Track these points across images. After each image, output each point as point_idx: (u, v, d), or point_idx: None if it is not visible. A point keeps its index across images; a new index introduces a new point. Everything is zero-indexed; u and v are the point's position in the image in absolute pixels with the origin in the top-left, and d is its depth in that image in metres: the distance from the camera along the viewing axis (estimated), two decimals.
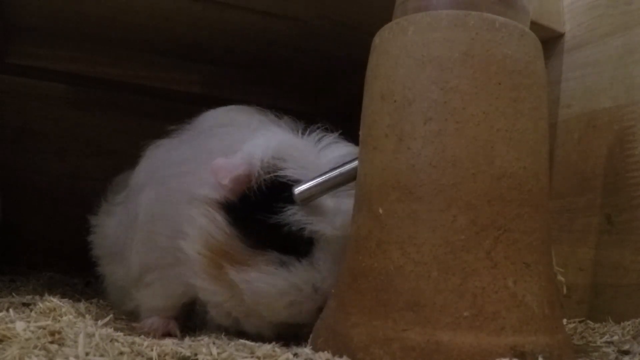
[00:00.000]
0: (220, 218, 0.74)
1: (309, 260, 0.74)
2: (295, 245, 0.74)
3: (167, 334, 0.80)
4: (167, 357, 0.57)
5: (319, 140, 0.81)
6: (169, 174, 0.84)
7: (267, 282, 0.72)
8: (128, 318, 0.88)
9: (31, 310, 0.76)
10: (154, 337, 0.74)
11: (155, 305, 0.83)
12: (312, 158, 0.78)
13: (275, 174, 0.73)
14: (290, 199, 0.73)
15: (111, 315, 0.76)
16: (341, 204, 0.76)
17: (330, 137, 0.82)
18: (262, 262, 0.73)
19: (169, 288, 0.81)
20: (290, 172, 0.74)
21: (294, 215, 0.72)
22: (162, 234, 0.79)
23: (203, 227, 0.74)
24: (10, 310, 0.72)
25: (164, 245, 0.78)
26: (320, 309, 0.72)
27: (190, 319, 0.87)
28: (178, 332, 0.80)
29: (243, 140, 0.78)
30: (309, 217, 0.73)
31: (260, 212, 0.73)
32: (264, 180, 0.73)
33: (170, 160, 0.87)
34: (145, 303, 0.84)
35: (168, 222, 0.78)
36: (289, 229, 0.72)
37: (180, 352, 0.58)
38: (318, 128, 0.82)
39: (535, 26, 0.84)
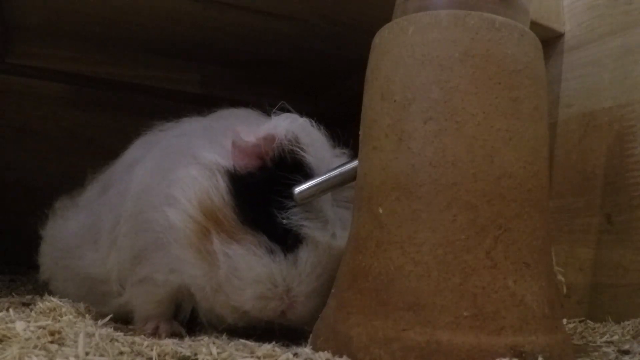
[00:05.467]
0: (223, 183, 0.72)
1: (294, 257, 0.72)
2: (286, 239, 0.72)
3: (172, 335, 0.79)
4: (167, 357, 0.57)
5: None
6: (174, 141, 0.82)
7: (248, 263, 0.70)
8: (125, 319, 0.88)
9: (31, 310, 0.76)
10: (164, 338, 0.72)
11: (153, 314, 0.80)
12: (327, 154, 0.78)
13: (294, 155, 0.72)
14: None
15: (111, 315, 0.76)
16: (341, 215, 0.75)
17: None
18: (250, 241, 0.71)
19: (163, 288, 0.78)
20: (308, 159, 0.72)
21: (294, 214, 0.71)
22: (153, 204, 0.76)
23: (203, 187, 0.71)
24: (10, 310, 0.72)
25: (152, 218, 0.75)
26: (282, 313, 0.71)
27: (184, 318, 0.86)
28: (183, 331, 0.79)
29: (264, 121, 0.77)
30: (308, 221, 0.71)
31: (265, 193, 0.71)
32: (278, 160, 0.72)
33: (175, 132, 0.86)
34: (142, 311, 0.81)
35: (161, 190, 0.75)
36: (287, 222, 0.71)
37: (180, 352, 0.58)
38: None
39: (535, 26, 0.84)
